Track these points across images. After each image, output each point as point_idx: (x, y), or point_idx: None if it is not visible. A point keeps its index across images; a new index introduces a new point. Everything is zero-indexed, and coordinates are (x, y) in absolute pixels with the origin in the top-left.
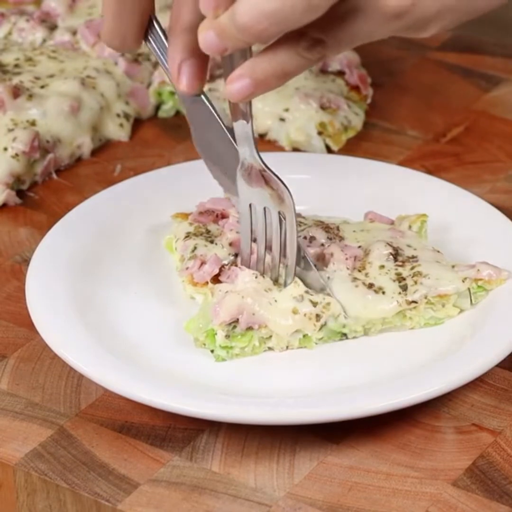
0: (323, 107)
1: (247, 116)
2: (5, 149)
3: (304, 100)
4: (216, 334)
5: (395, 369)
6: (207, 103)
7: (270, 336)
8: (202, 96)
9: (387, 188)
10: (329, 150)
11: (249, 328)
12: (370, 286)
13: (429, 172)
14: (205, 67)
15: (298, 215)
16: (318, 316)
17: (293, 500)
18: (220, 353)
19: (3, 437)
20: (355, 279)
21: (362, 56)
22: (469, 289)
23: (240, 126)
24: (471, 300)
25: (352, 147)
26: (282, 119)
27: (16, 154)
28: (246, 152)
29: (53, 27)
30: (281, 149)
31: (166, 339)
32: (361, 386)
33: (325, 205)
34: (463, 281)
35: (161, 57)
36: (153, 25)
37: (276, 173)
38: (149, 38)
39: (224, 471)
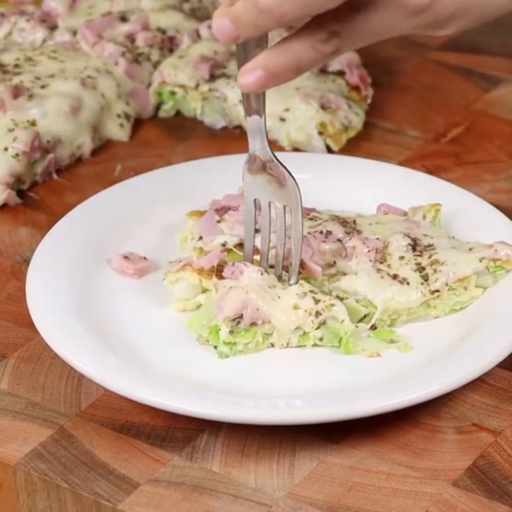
0: (323, 107)
1: (260, 111)
2: (6, 149)
3: (305, 100)
4: (219, 330)
5: (395, 369)
6: None
7: (272, 332)
8: None
9: (387, 188)
10: (329, 150)
11: (253, 324)
12: (395, 277)
13: (430, 172)
14: None
15: (312, 210)
16: (317, 313)
17: (293, 500)
18: (224, 349)
19: (4, 437)
20: (379, 270)
21: (363, 56)
22: (487, 267)
23: (254, 121)
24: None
25: (352, 147)
26: (282, 119)
27: (17, 154)
28: (256, 144)
29: (53, 27)
30: (281, 149)
31: (166, 339)
32: (361, 386)
33: (325, 205)
34: (480, 261)
35: None
36: None
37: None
38: None
39: (224, 471)
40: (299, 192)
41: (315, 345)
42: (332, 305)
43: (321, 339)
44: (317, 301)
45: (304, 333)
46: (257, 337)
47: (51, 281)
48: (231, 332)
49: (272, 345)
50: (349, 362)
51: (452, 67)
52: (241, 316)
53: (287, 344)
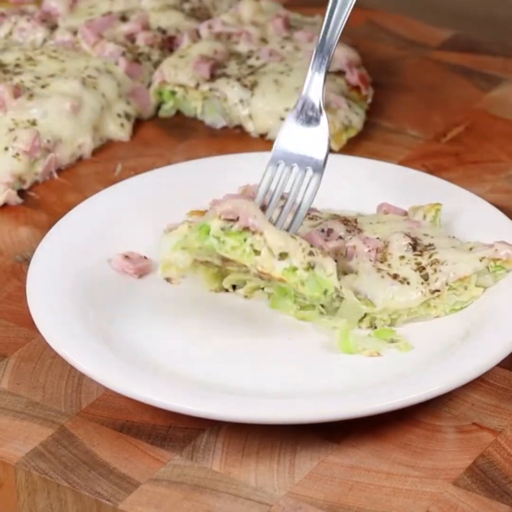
0: None
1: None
2: (6, 148)
3: None
4: (210, 229)
5: (395, 368)
6: None
7: (262, 250)
8: None
9: (388, 188)
10: (329, 149)
11: (246, 229)
12: (395, 276)
13: (430, 171)
14: None
15: (313, 210)
16: (311, 253)
17: (293, 499)
18: (213, 241)
19: (4, 437)
20: (379, 270)
21: (363, 56)
22: (488, 267)
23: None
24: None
25: (352, 147)
26: (283, 119)
27: (17, 154)
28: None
29: (53, 27)
30: None
31: (166, 338)
32: (361, 386)
33: (325, 204)
34: (480, 261)
35: None
36: None
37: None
38: None
39: (225, 470)
40: (329, 147)
41: (295, 297)
42: (326, 256)
43: (303, 283)
44: (312, 246)
45: (291, 267)
46: (245, 245)
47: (51, 281)
48: (223, 229)
49: (255, 268)
50: (349, 362)
51: (452, 67)
52: (236, 220)
53: (270, 272)
